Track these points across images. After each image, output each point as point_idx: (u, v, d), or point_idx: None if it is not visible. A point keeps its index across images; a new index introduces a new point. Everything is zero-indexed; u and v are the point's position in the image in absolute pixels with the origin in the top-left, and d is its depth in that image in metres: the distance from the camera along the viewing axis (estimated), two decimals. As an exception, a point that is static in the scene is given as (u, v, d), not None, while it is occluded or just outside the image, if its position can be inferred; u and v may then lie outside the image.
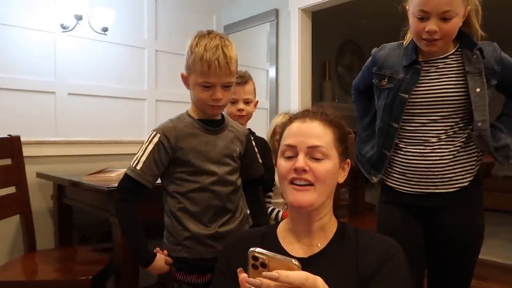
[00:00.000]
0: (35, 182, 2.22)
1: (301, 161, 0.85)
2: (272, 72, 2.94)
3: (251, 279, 0.62)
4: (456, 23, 1.17)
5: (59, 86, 2.38)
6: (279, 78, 2.91)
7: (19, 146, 1.90)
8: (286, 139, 0.90)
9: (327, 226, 0.91)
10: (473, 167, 1.27)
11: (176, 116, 1.25)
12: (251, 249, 0.62)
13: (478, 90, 1.19)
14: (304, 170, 0.84)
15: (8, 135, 1.88)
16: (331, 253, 0.87)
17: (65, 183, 1.97)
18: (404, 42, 1.32)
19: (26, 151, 1.98)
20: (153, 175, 1.18)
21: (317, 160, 0.86)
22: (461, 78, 1.22)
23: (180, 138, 1.19)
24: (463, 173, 1.25)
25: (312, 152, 0.86)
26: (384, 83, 1.32)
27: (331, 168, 0.87)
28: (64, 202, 2.15)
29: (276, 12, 2.91)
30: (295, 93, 2.79)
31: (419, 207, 1.29)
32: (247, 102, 1.58)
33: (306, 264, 0.76)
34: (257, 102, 1.67)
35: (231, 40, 1.20)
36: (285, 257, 0.62)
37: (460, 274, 1.30)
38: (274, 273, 0.60)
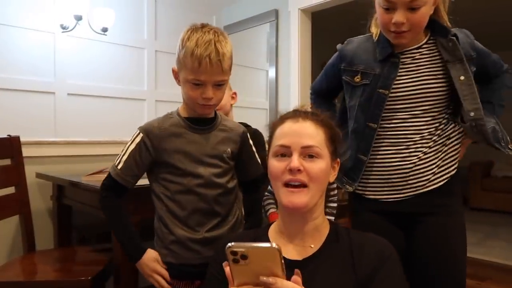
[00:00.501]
0: (35, 182, 2.21)
1: (295, 161, 0.85)
2: (271, 73, 2.94)
3: None
4: (425, 12, 1.08)
5: (58, 87, 2.38)
6: (279, 79, 2.91)
7: (19, 146, 1.90)
8: (279, 140, 0.90)
9: (321, 227, 0.91)
10: (454, 162, 1.20)
11: (165, 114, 1.21)
12: (227, 245, 0.61)
13: (462, 78, 1.11)
14: (299, 170, 0.85)
15: (8, 135, 1.88)
16: (326, 254, 0.86)
17: (65, 184, 1.97)
18: (374, 35, 1.23)
19: (26, 152, 1.98)
20: (133, 175, 1.16)
21: (311, 160, 0.86)
22: (439, 68, 1.14)
23: (163, 139, 1.14)
24: (444, 168, 1.17)
25: (306, 152, 0.87)
26: (358, 79, 1.21)
27: (324, 168, 0.88)
28: (63, 202, 2.14)
29: (276, 12, 2.91)
30: (294, 93, 2.79)
31: (398, 213, 1.19)
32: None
33: (302, 266, 0.76)
34: (234, 93, 1.68)
35: (226, 35, 1.12)
36: (263, 243, 0.62)
37: (454, 277, 1.17)
38: (271, 279, 0.60)
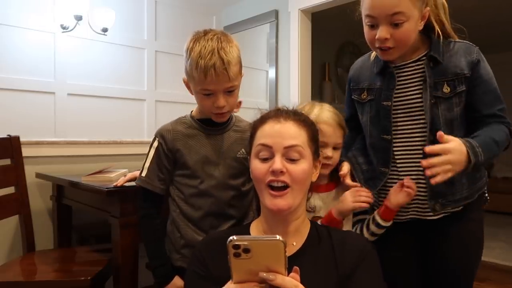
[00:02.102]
0: (34, 182, 2.21)
1: (278, 163, 0.85)
2: (271, 73, 2.94)
3: (246, 286, 0.59)
4: (409, 28, 1.04)
5: (58, 87, 2.38)
6: (279, 79, 2.91)
7: (19, 146, 1.90)
8: (261, 139, 0.90)
9: (302, 226, 0.92)
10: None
11: (178, 117, 1.22)
12: (230, 238, 0.59)
13: (432, 101, 1.09)
14: (282, 172, 0.85)
15: (8, 135, 1.88)
16: (309, 252, 0.87)
17: (65, 184, 1.97)
18: (373, 53, 1.23)
19: (26, 152, 1.98)
20: (160, 179, 1.15)
21: (293, 161, 0.87)
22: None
23: (177, 140, 1.15)
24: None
25: (289, 153, 0.87)
26: (364, 96, 1.23)
27: (307, 169, 0.88)
28: (63, 202, 2.14)
29: (276, 13, 2.91)
30: (294, 94, 2.79)
31: (414, 222, 1.17)
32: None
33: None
34: (239, 103, 1.55)
35: (231, 38, 1.11)
36: (267, 236, 0.61)
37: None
38: (271, 275, 0.59)
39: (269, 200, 0.87)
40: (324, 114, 1.14)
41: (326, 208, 1.15)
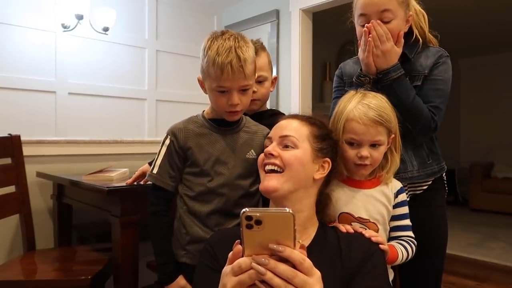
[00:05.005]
0: (35, 181, 2.22)
1: (270, 147, 0.94)
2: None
3: (258, 257, 0.61)
4: (396, 26, 1.16)
5: (59, 86, 2.39)
6: (280, 79, 2.91)
7: (19, 145, 1.90)
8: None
9: (308, 224, 0.94)
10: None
11: (189, 116, 1.24)
12: (243, 210, 0.62)
13: None
14: (272, 154, 0.93)
15: (8, 134, 1.88)
16: (316, 250, 0.89)
17: (65, 183, 1.97)
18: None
19: (26, 151, 1.98)
20: (171, 177, 1.17)
21: (286, 147, 0.94)
22: None
23: (188, 138, 1.17)
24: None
25: (283, 141, 0.95)
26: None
27: (298, 155, 0.93)
28: (63, 201, 2.15)
29: (277, 12, 2.91)
30: (295, 94, 2.79)
31: None
32: (258, 81, 1.38)
33: None
34: (275, 78, 1.50)
35: (247, 39, 1.14)
36: (278, 208, 0.64)
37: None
38: (280, 247, 0.61)
39: (261, 184, 0.94)
40: (355, 110, 1.04)
41: (358, 204, 1.08)
